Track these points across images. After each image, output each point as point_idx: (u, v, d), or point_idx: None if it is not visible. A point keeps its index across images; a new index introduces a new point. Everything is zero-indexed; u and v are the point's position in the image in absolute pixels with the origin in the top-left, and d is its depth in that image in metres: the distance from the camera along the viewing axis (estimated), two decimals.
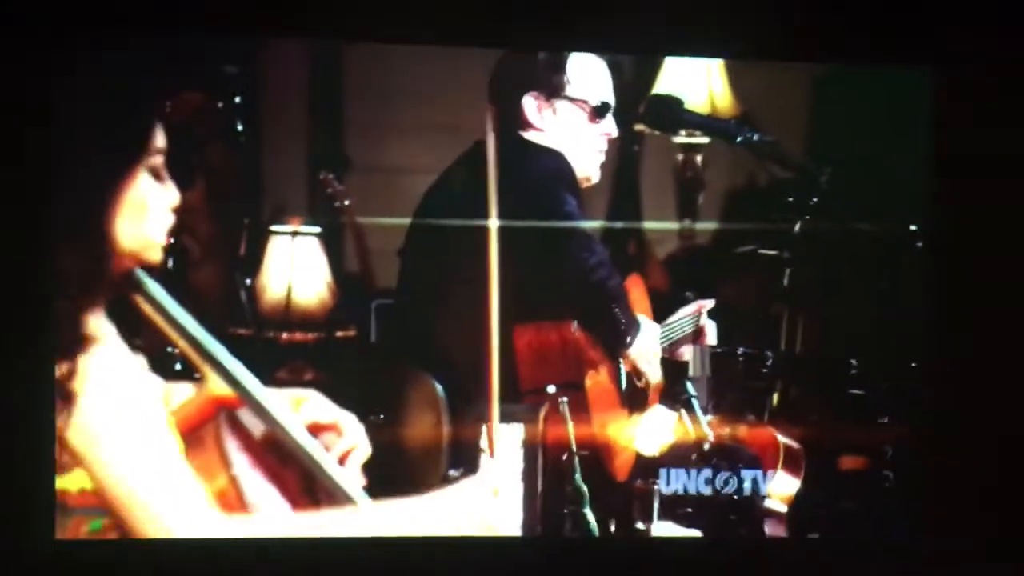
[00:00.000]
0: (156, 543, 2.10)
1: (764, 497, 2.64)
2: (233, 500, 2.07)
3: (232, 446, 2.11)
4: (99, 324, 2.06)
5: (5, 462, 2.41)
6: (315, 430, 2.25)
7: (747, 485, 2.57)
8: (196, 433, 2.13)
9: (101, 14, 2.45)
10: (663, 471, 2.55)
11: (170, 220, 2.16)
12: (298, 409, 2.23)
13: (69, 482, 2.05)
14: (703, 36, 2.63)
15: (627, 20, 2.59)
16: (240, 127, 2.75)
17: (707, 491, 2.54)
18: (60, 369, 2.05)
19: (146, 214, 2.11)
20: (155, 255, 2.14)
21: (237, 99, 2.73)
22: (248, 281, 2.80)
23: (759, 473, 2.60)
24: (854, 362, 2.77)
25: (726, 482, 2.55)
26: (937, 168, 2.62)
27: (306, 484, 2.20)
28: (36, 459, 2.31)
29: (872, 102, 2.79)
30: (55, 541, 2.27)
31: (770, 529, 2.62)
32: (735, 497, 2.57)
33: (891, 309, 2.75)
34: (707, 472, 2.54)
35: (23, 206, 2.38)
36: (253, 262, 2.81)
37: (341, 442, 2.26)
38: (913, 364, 2.69)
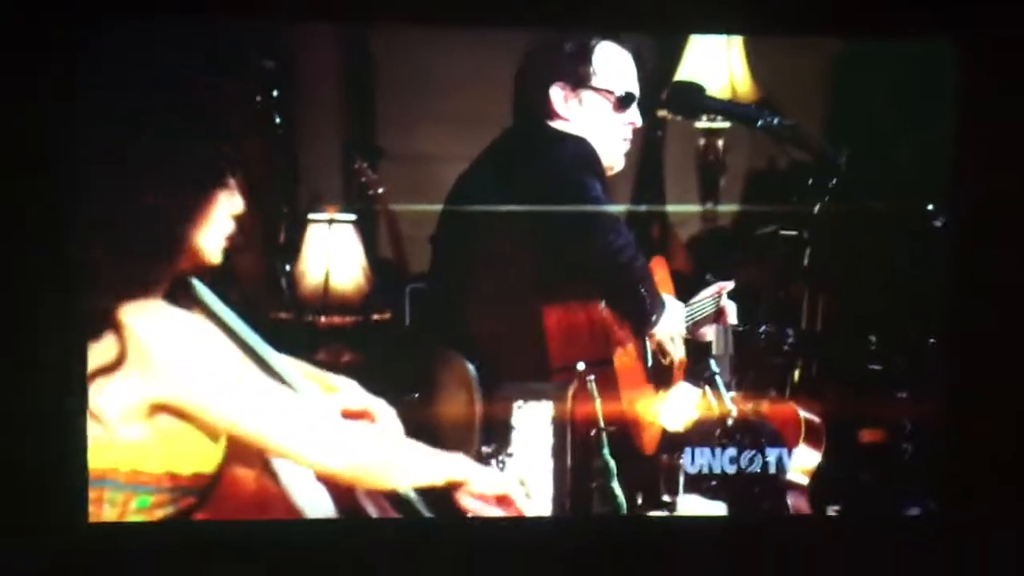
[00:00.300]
0: (188, 524, 2.11)
1: (787, 472, 2.64)
2: (272, 488, 2.13)
3: None
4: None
5: (37, 452, 2.39)
6: (348, 416, 2.30)
7: (771, 461, 2.55)
8: None
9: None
10: (687, 450, 2.55)
11: (231, 226, 2.19)
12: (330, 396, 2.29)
13: (119, 462, 2.07)
14: (720, 12, 2.57)
15: None
16: (278, 120, 2.78)
17: (732, 469, 2.53)
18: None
19: (210, 221, 2.13)
20: (213, 259, 2.17)
21: (274, 93, 2.75)
22: (288, 267, 2.84)
23: (784, 451, 2.58)
24: (873, 339, 2.77)
25: (751, 461, 2.54)
26: (958, 143, 2.55)
27: None
28: (67, 447, 2.28)
29: (891, 82, 2.78)
30: (88, 526, 2.24)
31: (792, 501, 2.62)
32: (758, 470, 2.55)
33: (909, 286, 2.74)
34: (732, 451, 2.54)
35: (54, 206, 2.35)
36: (292, 249, 2.84)
37: (374, 427, 2.32)
38: (931, 340, 2.68)
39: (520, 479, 2.41)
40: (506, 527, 2.38)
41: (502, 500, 2.25)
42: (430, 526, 2.35)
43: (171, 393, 2.05)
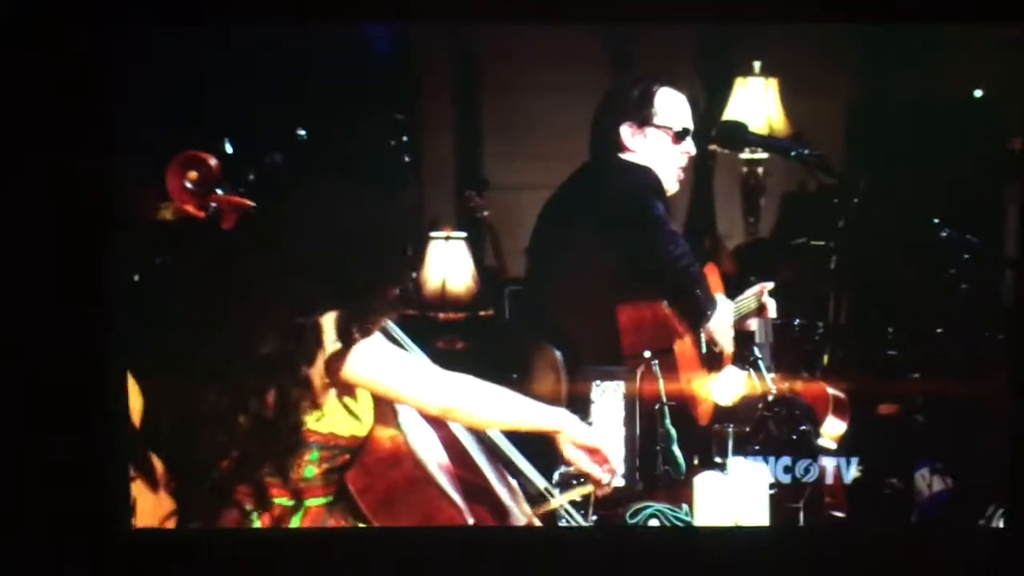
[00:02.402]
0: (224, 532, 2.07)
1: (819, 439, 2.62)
2: (403, 448, 2.14)
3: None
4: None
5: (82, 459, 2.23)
6: None
7: (816, 470, 2.47)
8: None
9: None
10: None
11: None
12: None
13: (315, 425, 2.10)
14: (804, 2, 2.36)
15: None
16: (407, 159, 2.85)
17: (786, 479, 2.45)
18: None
19: None
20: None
21: (404, 138, 2.85)
22: (414, 275, 2.94)
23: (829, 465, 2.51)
24: (890, 329, 2.79)
25: (806, 470, 2.47)
26: None
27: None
28: (108, 454, 2.18)
29: (901, 118, 2.80)
30: (132, 531, 2.17)
31: (822, 463, 2.54)
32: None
33: (920, 286, 2.76)
34: (786, 460, 2.47)
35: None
36: (418, 260, 2.95)
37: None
38: (939, 330, 2.70)
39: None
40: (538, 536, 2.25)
41: (594, 453, 2.17)
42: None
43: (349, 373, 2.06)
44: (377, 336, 2.09)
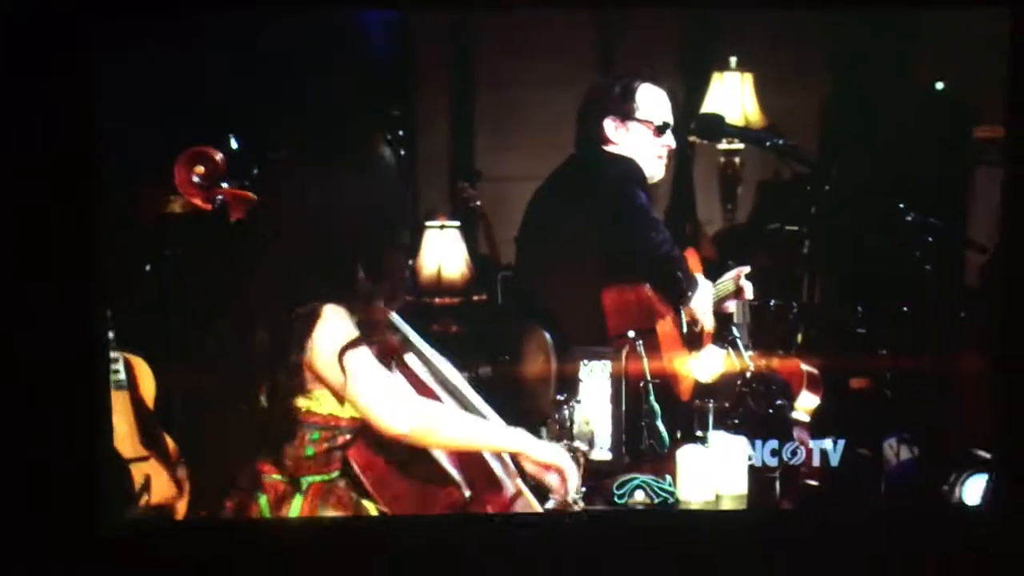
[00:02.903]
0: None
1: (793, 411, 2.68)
2: None
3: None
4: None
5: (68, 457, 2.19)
6: None
7: (803, 453, 2.47)
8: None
9: None
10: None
11: None
12: None
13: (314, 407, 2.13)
14: None
15: None
16: (402, 152, 2.88)
17: (773, 462, 2.46)
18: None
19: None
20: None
21: (400, 132, 2.94)
22: (411, 262, 3.00)
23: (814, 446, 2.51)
24: (859, 308, 2.84)
25: (793, 453, 2.48)
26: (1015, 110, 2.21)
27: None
28: (93, 454, 2.16)
29: (869, 109, 2.88)
30: (106, 526, 2.16)
31: (797, 434, 2.61)
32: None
33: (887, 267, 2.80)
34: (773, 443, 2.47)
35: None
36: (414, 248, 3.04)
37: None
38: (905, 309, 2.76)
39: (573, 446, 2.37)
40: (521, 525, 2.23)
41: (550, 468, 2.17)
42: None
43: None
44: (362, 350, 2.09)
